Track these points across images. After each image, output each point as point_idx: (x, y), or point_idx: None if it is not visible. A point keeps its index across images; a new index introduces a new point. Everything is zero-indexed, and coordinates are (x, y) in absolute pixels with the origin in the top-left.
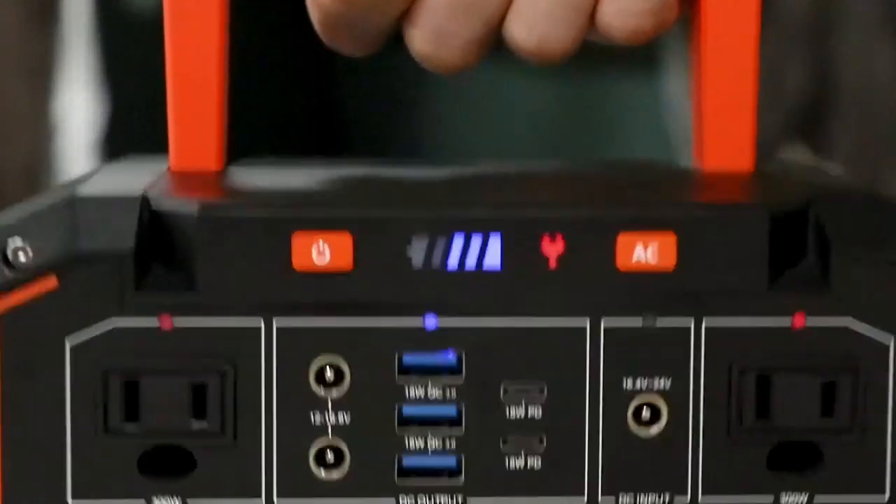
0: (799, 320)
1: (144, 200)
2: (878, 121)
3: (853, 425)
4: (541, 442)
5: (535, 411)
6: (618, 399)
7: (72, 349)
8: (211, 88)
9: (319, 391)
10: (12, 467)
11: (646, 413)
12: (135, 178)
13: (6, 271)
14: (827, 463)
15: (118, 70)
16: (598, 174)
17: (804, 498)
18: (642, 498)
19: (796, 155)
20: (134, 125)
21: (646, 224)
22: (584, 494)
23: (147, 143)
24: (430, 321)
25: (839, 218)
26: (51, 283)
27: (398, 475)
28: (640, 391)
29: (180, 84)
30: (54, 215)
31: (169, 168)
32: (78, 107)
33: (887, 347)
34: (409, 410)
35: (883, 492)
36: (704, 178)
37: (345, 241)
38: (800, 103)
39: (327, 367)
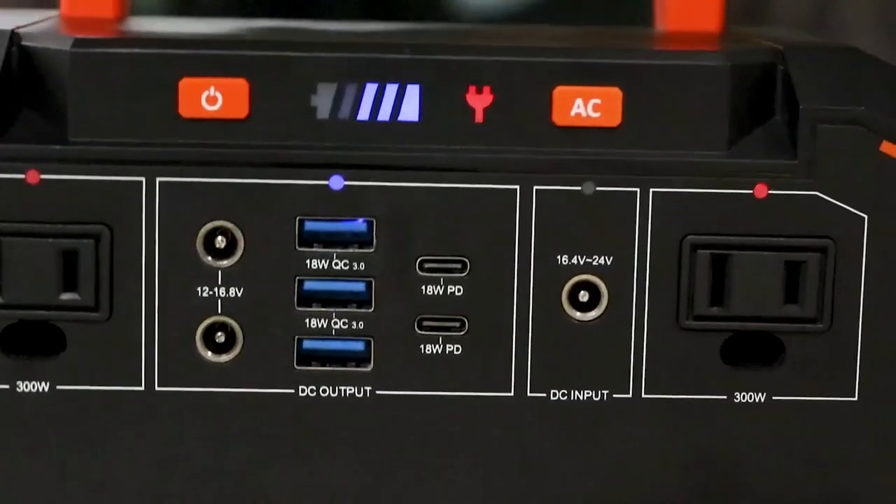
0: (761, 190)
1: (14, 36)
2: None
3: (820, 315)
4: (461, 326)
5: (456, 290)
6: (551, 278)
7: None
8: None
9: (208, 260)
10: None
11: (583, 295)
12: (14, 18)
13: None
14: (789, 358)
15: None
16: (544, 29)
17: (762, 397)
18: (577, 395)
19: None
20: None
21: (587, 74)
22: (510, 390)
23: None
24: (337, 181)
25: (811, 74)
26: None
27: (297, 361)
28: (577, 269)
29: None
30: None
31: (59, 14)
32: None
33: (861, 222)
34: (310, 286)
35: (852, 393)
36: (664, 34)
37: (240, 86)
38: None
39: (218, 233)
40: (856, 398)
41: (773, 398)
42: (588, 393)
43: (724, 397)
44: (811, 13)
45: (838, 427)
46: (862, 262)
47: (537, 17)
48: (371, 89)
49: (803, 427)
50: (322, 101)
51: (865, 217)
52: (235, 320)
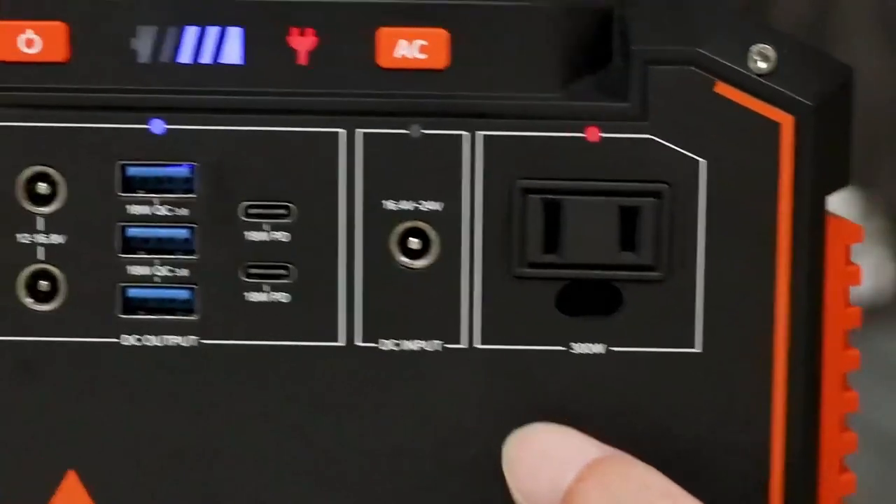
0: (593, 133)
1: None
2: (871, 118)
3: (658, 261)
4: (287, 273)
5: (281, 236)
6: (379, 224)
7: None
8: None
9: (29, 206)
10: None
11: (413, 242)
12: None
13: None
14: (627, 306)
15: None
16: None
17: (600, 348)
18: (408, 344)
19: None
20: None
21: (412, 16)
22: (339, 339)
23: None
24: (158, 125)
25: (648, 17)
26: None
27: (121, 310)
28: (406, 214)
29: None
30: None
31: None
32: None
33: (696, 167)
34: (133, 232)
35: (692, 343)
36: None
37: (58, 29)
38: None
39: (39, 179)
40: (698, 349)
41: (612, 349)
42: (419, 343)
43: (562, 348)
44: (811, 12)
45: (680, 378)
46: (699, 208)
47: None
48: (192, 32)
49: (643, 379)
50: (142, 43)
51: (701, 161)
52: (57, 267)
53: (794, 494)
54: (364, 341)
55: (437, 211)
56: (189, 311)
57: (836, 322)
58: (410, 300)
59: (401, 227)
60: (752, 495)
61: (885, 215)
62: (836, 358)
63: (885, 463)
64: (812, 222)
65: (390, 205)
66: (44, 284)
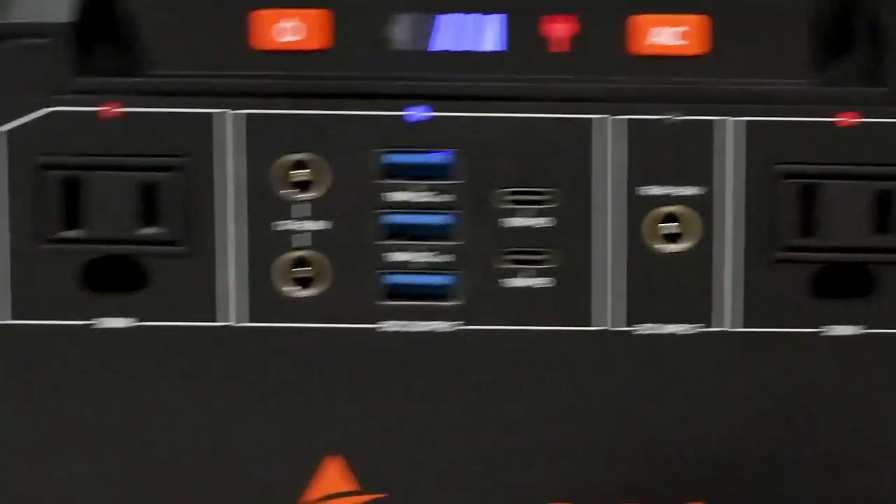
0: (850, 118)
1: None
2: None
3: None
4: (546, 258)
5: (540, 221)
6: (636, 209)
7: (6, 138)
8: None
9: (288, 193)
10: None
11: (670, 226)
12: None
13: None
14: (882, 289)
15: None
16: None
17: (858, 330)
18: (664, 329)
19: None
20: None
21: (671, 2)
22: (597, 323)
23: None
24: (417, 112)
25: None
26: None
27: (380, 296)
28: (664, 200)
29: None
30: None
31: None
32: None
33: None
34: (393, 219)
35: None
36: None
37: (316, 16)
38: None
39: (299, 166)
40: None
41: (869, 331)
42: (675, 327)
43: (818, 330)
44: None
45: None
46: None
47: None
48: (452, 20)
49: None
50: (402, 31)
51: None
52: (317, 254)
53: None
54: (621, 325)
55: (693, 195)
56: (449, 297)
57: None
58: (666, 285)
59: (658, 212)
60: None
61: None
62: None
63: None
64: None
65: (648, 190)
66: (304, 271)
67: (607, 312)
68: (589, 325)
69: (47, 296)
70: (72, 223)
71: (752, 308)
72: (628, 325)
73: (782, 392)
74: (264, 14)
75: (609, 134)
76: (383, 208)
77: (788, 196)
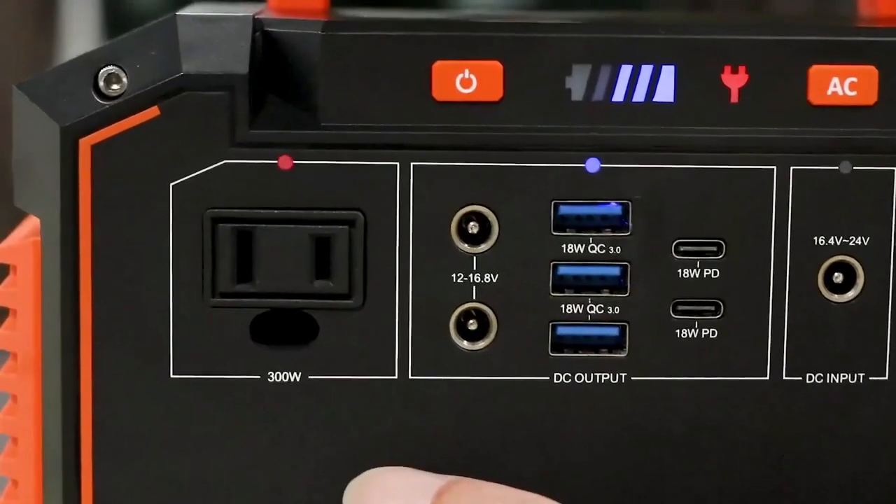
0: None
1: (257, 21)
2: None
3: None
4: (717, 309)
5: (712, 273)
6: (808, 259)
7: (175, 192)
8: None
9: (463, 246)
10: (104, 335)
11: (839, 276)
12: (236, 7)
13: (98, 101)
14: None
15: None
16: (780, 18)
17: None
18: (833, 377)
19: None
20: None
21: (843, 53)
22: (766, 373)
23: None
24: (593, 164)
25: None
26: (151, 113)
27: (552, 348)
28: (834, 249)
29: None
30: (152, 35)
31: (268, 5)
32: None
33: None
34: (565, 270)
35: None
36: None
37: (494, 68)
38: None
39: (471, 218)
40: None
41: None
42: (844, 376)
43: None
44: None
45: None
46: None
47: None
48: (626, 70)
49: None
50: (576, 82)
51: None
52: (489, 307)
53: None
54: (790, 375)
55: (863, 245)
56: (619, 349)
57: None
58: (836, 333)
59: (828, 262)
60: None
61: None
62: None
63: None
64: None
65: (819, 240)
66: (474, 323)
67: (777, 361)
68: (760, 375)
69: (217, 350)
70: (243, 277)
71: None
72: (798, 375)
73: None
74: (446, 65)
75: (782, 183)
76: (556, 259)
77: None
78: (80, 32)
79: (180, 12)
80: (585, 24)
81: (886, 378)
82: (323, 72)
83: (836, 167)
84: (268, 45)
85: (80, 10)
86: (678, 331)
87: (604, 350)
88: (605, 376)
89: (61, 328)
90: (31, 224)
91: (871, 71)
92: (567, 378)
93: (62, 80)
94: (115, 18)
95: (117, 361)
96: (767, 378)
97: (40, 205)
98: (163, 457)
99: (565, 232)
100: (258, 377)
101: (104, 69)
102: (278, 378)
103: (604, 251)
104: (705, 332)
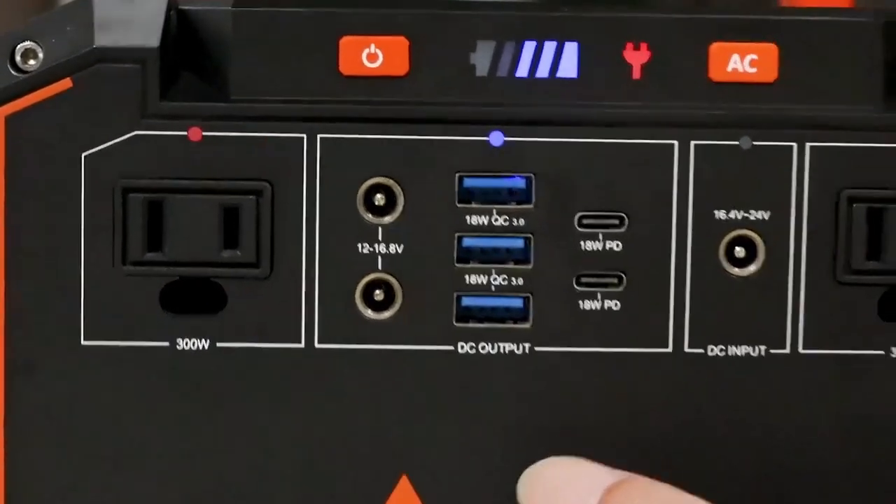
0: None
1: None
2: None
3: None
4: (620, 281)
5: (614, 245)
6: (709, 233)
7: (87, 162)
8: None
9: (368, 217)
10: (16, 302)
11: (740, 250)
12: None
13: (14, 74)
14: None
15: None
16: None
17: None
18: (734, 350)
19: None
20: None
21: (743, 31)
22: (668, 345)
23: None
24: (496, 137)
25: None
26: (64, 85)
27: (456, 318)
28: (735, 224)
29: None
30: (68, 13)
31: None
32: None
33: None
34: (469, 242)
35: None
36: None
37: (400, 44)
38: None
39: (377, 190)
40: None
41: None
42: (745, 349)
43: (882, 352)
44: None
45: None
46: None
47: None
48: (530, 46)
49: None
50: (481, 58)
51: None
52: (395, 277)
53: None
54: (692, 347)
55: (763, 220)
56: (523, 319)
57: None
58: (737, 307)
59: (729, 236)
60: None
61: None
62: None
63: None
64: None
65: (720, 214)
66: (380, 293)
67: (679, 334)
68: (661, 347)
69: (128, 318)
70: (153, 246)
71: (818, 330)
72: (700, 347)
73: (850, 415)
74: (353, 40)
75: (683, 158)
76: (460, 231)
77: (856, 219)
78: None
79: None
80: (490, 1)
81: (788, 351)
82: (233, 47)
83: (737, 142)
84: (182, 22)
85: None
86: (581, 302)
87: (508, 321)
88: (510, 346)
89: None
90: None
91: (772, 48)
92: (472, 348)
93: None
94: None
95: (29, 328)
96: (670, 350)
97: None
98: (75, 423)
99: (470, 204)
100: (167, 344)
101: (21, 45)
102: (187, 346)
103: (507, 223)
104: (608, 303)
